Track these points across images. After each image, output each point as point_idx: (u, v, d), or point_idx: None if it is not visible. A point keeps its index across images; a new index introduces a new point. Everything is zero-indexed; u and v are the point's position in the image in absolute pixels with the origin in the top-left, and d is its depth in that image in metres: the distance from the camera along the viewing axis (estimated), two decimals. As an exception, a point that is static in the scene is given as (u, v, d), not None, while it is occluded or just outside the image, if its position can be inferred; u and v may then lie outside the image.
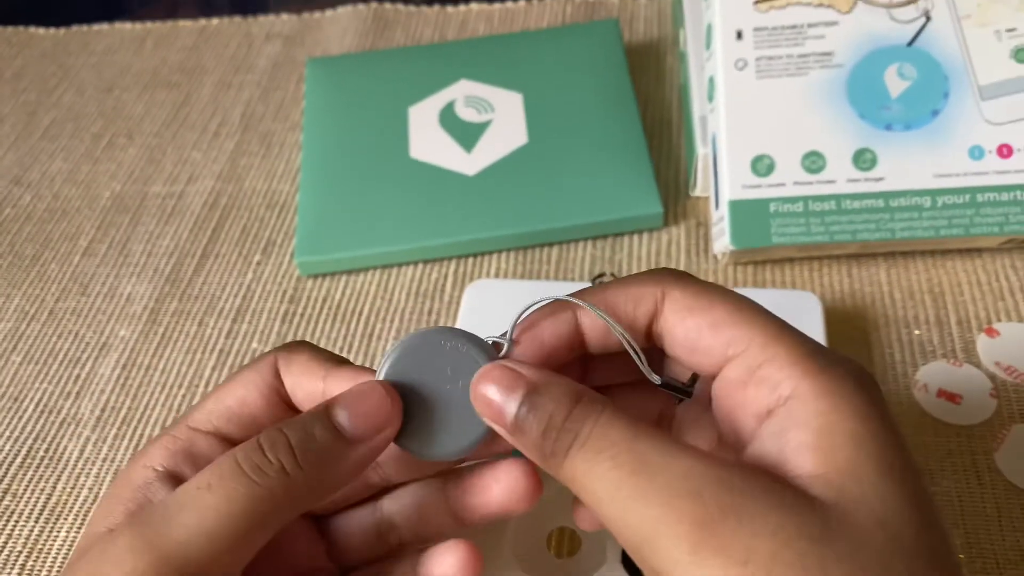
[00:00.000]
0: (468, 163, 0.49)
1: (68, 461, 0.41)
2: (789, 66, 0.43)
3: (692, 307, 0.25)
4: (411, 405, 0.26)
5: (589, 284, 0.38)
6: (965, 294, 0.43)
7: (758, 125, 0.43)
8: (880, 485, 0.21)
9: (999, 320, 0.42)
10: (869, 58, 0.43)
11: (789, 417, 0.22)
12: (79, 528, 0.39)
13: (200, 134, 0.57)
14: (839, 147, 0.42)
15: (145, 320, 0.47)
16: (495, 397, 0.24)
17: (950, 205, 0.42)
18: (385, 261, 0.48)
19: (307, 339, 0.45)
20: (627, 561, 0.33)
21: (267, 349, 0.45)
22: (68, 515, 0.40)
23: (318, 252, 0.47)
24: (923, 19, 0.43)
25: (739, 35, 0.43)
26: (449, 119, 0.52)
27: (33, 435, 0.43)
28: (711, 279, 0.43)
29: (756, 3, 0.43)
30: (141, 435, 0.42)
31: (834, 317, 0.42)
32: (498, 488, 0.27)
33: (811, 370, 0.23)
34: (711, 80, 0.45)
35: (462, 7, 0.64)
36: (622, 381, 0.29)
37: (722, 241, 0.43)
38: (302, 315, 0.46)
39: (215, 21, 0.66)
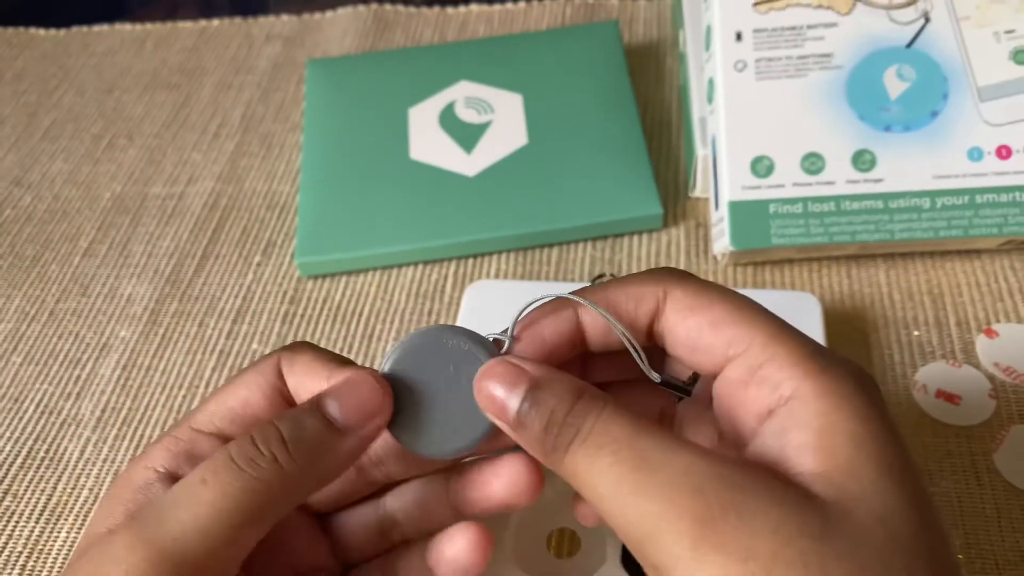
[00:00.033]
0: (468, 164, 0.49)
1: (68, 462, 0.42)
2: (788, 67, 0.43)
3: (693, 306, 0.25)
4: (413, 403, 0.26)
5: (589, 285, 0.38)
6: (964, 295, 0.43)
7: (757, 126, 0.43)
8: (880, 485, 0.21)
9: (998, 321, 0.42)
10: (868, 59, 0.43)
11: (790, 417, 0.22)
12: (79, 529, 0.39)
13: (200, 135, 0.58)
14: (838, 148, 0.42)
15: (145, 321, 0.47)
16: (498, 393, 0.25)
17: (949, 206, 0.42)
18: (385, 262, 0.48)
19: (307, 340, 0.45)
20: (627, 561, 0.33)
21: (267, 350, 0.45)
22: (68, 516, 0.40)
23: (318, 253, 0.47)
24: (922, 20, 0.43)
25: (738, 36, 0.43)
26: (449, 120, 0.52)
27: (33, 436, 0.43)
28: (711, 280, 0.43)
29: (755, 4, 0.43)
30: (141, 436, 0.42)
31: (833, 318, 0.42)
32: (499, 483, 0.27)
33: (812, 370, 0.23)
34: (711, 81, 0.45)
35: (462, 8, 0.65)
36: (622, 379, 0.29)
37: (722, 242, 0.43)
38: (302, 316, 0.46)
39: (215, 22, 0.66)
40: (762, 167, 0.42)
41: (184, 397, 0.44)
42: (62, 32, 0.67)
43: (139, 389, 0.44)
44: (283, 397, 0.27)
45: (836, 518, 0.20)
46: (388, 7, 0.65)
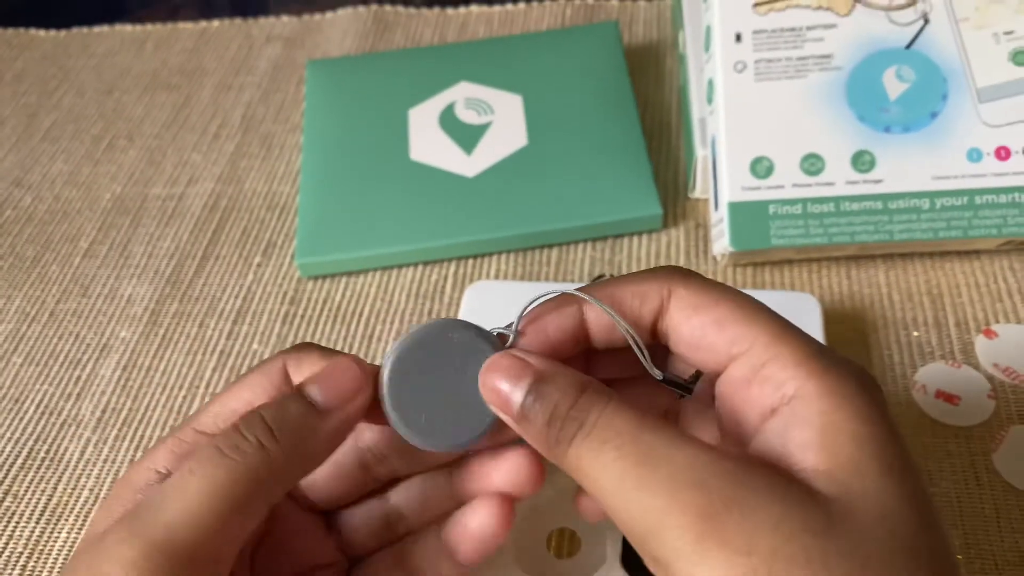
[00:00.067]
0: (468, 165, 0.50)
1: (69, 462, 0.42)
2: (788, 68, 0.43)
3: (698, 305, 0.25)
4: (418, 397, 0.26)
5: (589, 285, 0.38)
6: (963, 296, 0.43)
7: (757, 127, 0.43)
8: (881, 484, 0.21)
9: (997, 322, 0.42)
10: (868, 60, 0.43)
11: (793, 415, 0.23)
12: (80, 529, 0.39)
13: (200, 136, 0.58)
14: (838, 149, 0.42)
15: (146, 322, 0.47)
16: (502, 386, 0.25)
17: (948, 207, 0.42)
18: (385, 263, 0.48)
19: (307, 341, 0.45)
20: (627, 561, 0.33)
21: (268, 350, 0.45)
22: (69, 516, 0.40)
23: (318, 254, 0.47)
24: (921, 22, 0.43)
25: (738, 38, 0.43)
26: (449, 121, 0.52)
27: (34, 436, 0.43)
28: (710, 281, 0.44)
29: (755, 6, 0.43)
30: (142, 436, 0.42)
31: (833, 319, 0.43)
32: (501, 473, 0.28)
33: (815, 370, 0.23)
34: (710, 82, 0.45)
35: (462, 9, 0.65)
36: (626, 376, 0.29)
37: (721, 243, 0.43)
38: (302, 317, 0.46)
39: (215, 23, 0.66)
40: (762, 168, 0.43)
41: (184, 398, 0.44)
42: (62, 33, 0.67)
43: (139, 390, 0.44)
44: None
45: (838, 515, 0.20)
46: (388, 8, 0.65)
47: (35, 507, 0.40)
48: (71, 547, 0.39)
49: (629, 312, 0.26)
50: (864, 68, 0.43)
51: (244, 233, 0.51)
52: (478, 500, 0.28)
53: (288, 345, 0.45)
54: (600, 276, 0.46)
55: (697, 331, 0.25)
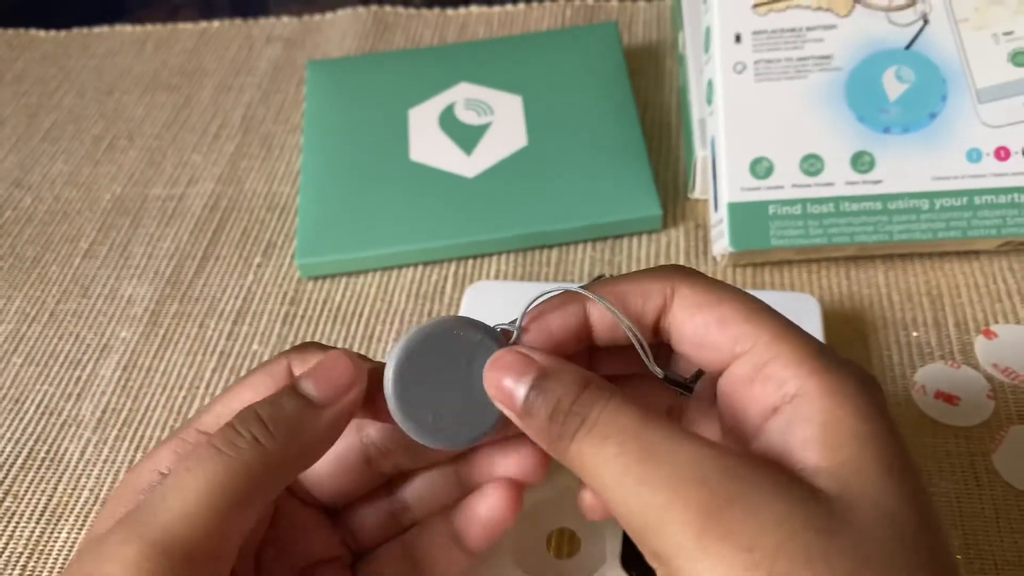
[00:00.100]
0: (468, 165, 0.50)
1: (69, 463, 0.42)
2: (788, 69, 0.43)
3: (701, 304, 0.25)
4: (424, 395, 0.26)
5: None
6: (963, 296, 0.43)
7: (757, 128, 0.43)
8: (882, 483, 0.21)
9: (996, 322, 0.42)
10: (867, 61, 0.43)
11: (795, 413, 0.23)
12: (80, 529, 0.39)
13: (200, 136, 0.58)
14: (837, 150, 0.42)
15: (146, 322, 0.47)
16: (506, 382, 0.25)
17: (948, 208, 0.42)
18: (385, 263, 0.48)
19: (308, 341, 0.45)
20: (627, 561, 0.33)
21: (268, 351, 0.45)
22: (69, 516, 0.40)
23: (318, 254, 0.47)
24: (921, 22, 0.43)
25: (738, 38, 0.43)
26: (449, 121, 0.52)
27: (34, 437, 0.43)
28: (710, 281, 0.44)
29: (755, 6, 0.44)
30: (142, 437, 0.42)
31: (832, 319, 0.43)
32: (509, 461, 0.28)
33: (817, 369, 0.23)
34: (710, 83, 0.45)
35: (462, 10, 0.65)
36: (628, 374, 0.29)
37: (721, 243, 0.43)
38: (303, 317, 0.47)
39: (215, 24, 0.66)
40: (761, 168, 0.43)
41: (184, 398, 0.44)
42: (62, 33, 0.67)
43: (139, 390, 0.44)
44: None
45: (840, 513, 0.20)
46: (388, 9, 0.65)
47: (35, 507, 0.40)
48: (71, 547, 0.39)
49: (632, 310, 0.26)
50: (864, 69, 0.43)
51: (244, 233, 0.51)
52: (487, 486, 0.28)
53: (288, 346, 0.45)
54: (600, 276, 0.46)
55: (700, 329, 0.25)
